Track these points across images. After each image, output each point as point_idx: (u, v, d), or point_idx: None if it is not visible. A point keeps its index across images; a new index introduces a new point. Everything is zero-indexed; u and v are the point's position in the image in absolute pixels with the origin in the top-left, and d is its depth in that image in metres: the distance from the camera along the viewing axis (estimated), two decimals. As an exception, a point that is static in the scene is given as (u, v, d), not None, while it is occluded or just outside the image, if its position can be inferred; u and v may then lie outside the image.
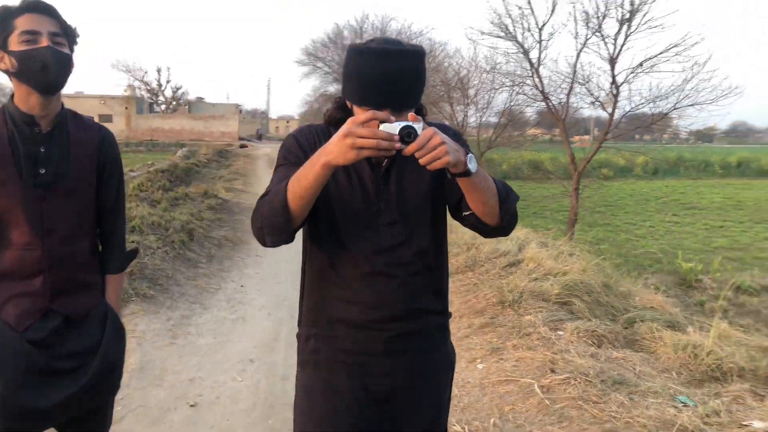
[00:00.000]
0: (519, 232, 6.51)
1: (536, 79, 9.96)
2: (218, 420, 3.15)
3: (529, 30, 9.70)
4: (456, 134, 1.60)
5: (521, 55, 9.91)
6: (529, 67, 9.89)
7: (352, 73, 1.45)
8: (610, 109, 9.53)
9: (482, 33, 10.17)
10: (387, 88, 1.40)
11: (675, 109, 9.07)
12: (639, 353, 3.70)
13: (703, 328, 4.35)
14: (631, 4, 8.98)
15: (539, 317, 4.11)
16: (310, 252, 1.61)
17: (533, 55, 9.73)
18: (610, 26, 9.29)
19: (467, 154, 1.33)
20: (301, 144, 1.54)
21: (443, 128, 1.57)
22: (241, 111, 53.72)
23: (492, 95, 13.80)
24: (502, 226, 1.49)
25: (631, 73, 9.16)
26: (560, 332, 3.92)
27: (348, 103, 1.52)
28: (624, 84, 9.19)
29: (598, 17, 9.26)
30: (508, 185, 1.50)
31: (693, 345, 3.57)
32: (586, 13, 9.44)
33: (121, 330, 1.87)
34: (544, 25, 9.74)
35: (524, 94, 10.88)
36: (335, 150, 1.25)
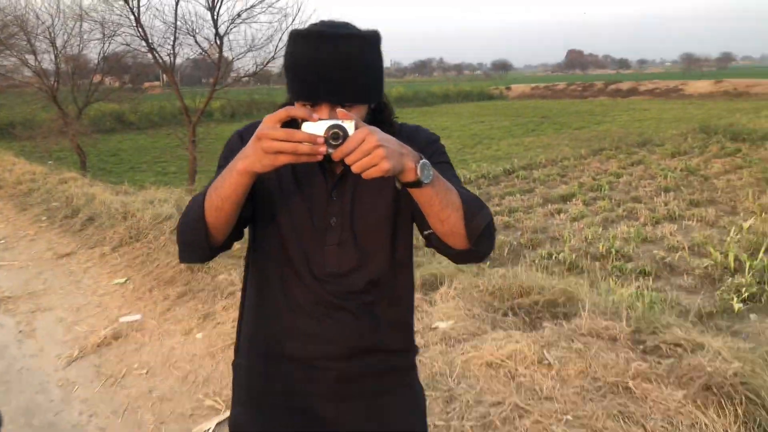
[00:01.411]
0: (170, 193, 6.27)
1: (139, 30, 9.30)
2: None
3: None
4: (430, 140, 1.33)
5: (121, 2, 9.08)
6: (130, 15, 9.15)
7: (287, 62, 1.20)
8: (216, 58, 9.60)
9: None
10: (321, 77, 1.14)
11: (274, 58, 9.74)
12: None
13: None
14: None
15: (234, 274, 4.17)
16: (250, 271, 1.36)
17: (134, 2, 9.03)
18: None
19: (420, 159, 1.06)
20: (244, 143, 1.23)
21: (413, 131, 1.33)
22: None
23: (83, 44, 12.27)
24: (472, 250, 1.18)
25: (231, 23, 9.40)
26: (259, 285, 4.07)
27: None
28: (226, 35, 9.38)
29: (197, -35, 9.09)
30: (480, 200, 1.19)
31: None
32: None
33: None
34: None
35: (127, 44, 10.06)
36: (251, 154, 1.03)
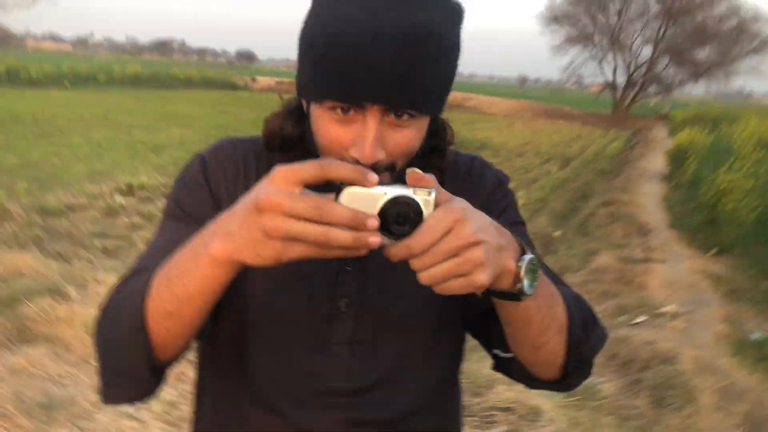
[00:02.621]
0: None
1: None
2: None
3: None
4: (498, 183, 0.90)
5: None
6: None
7: (310, 33, 0.71)
8: None
9: None
10: (378, 63, 0.66)
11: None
12: (43, 346, 2.88)
13: (83, 286, 3.78)
14: None
15: None
16: (204, 377, 0.86)
17: None
18: None
19: (522, 253, 0.66)
20: (210, 177, 0.81)
21: (477, 168, 0.89)
22: None
23: None
24: (563, 383, 0.81)
25: None
26: None
27: (304, 102, 0.79)
28: None
29: None
30: (590, 309, 0.81)
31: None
32: None
33: None
34: None
35: None
36: (240, 234, 0.58)
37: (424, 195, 0.59)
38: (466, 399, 2.54)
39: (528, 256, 0.67)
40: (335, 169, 0.57)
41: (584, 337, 0.79)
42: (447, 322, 0.87)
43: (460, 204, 0.61)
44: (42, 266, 3.94)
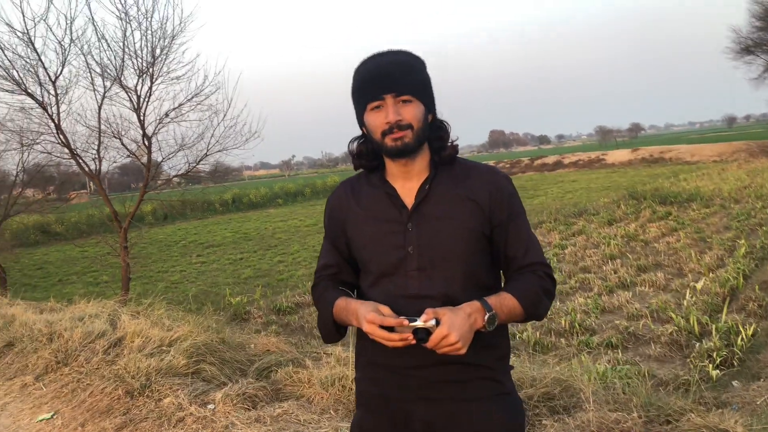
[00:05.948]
0: (102, 307, 5.63)
1: (60, 136, 8.77)
2: None
3: (41, 84, 8.45)
4: (507, 192, 1.52)
5: (39, 110, 8.57)
6: (49, 123, 8.62)
7: (355, 84, 1.49)
8: (145, 160, 9.13)
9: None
10: (383, 77, 1.42)
11: (207, 155, 9.31)
12: (292, 401, 3.63)
13: (316, 359, 4.56)
14: (152, 55, 8.77)
15: (182, 396, 3.61)
16: None
17: (53, 109, 8.54)
18: (131, 77, 8.87)
19: (485, 315, 1.37)
20: (334, 214, 1.60)
21: (490, 172, 1.54)
22: None
23: None
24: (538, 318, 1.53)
25: (159, 123, 8.98)
26: (211, 405, 3.53)
27: (363, 129, 1.53)
28: (155, 135, 8.95)
29: (116, 68, 8.72)
30: (539, 294, 1.46)
31: (338, 378, 3.69)
32: (102, 64, 8.79)
33: None
34: (57, 77, 8.66)
35: (48, 153, 9.47)
36: (358, 323, 1.43)
37: (432, 324, 1.33)
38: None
39: (488, 316, 1.38)
40: (385, 321, 1.36)
41: (534, 312, 1.48)
42: (476, 256, 1.50)
43: (449, 320, 1.32)
44: (284, 345, 4.83)
